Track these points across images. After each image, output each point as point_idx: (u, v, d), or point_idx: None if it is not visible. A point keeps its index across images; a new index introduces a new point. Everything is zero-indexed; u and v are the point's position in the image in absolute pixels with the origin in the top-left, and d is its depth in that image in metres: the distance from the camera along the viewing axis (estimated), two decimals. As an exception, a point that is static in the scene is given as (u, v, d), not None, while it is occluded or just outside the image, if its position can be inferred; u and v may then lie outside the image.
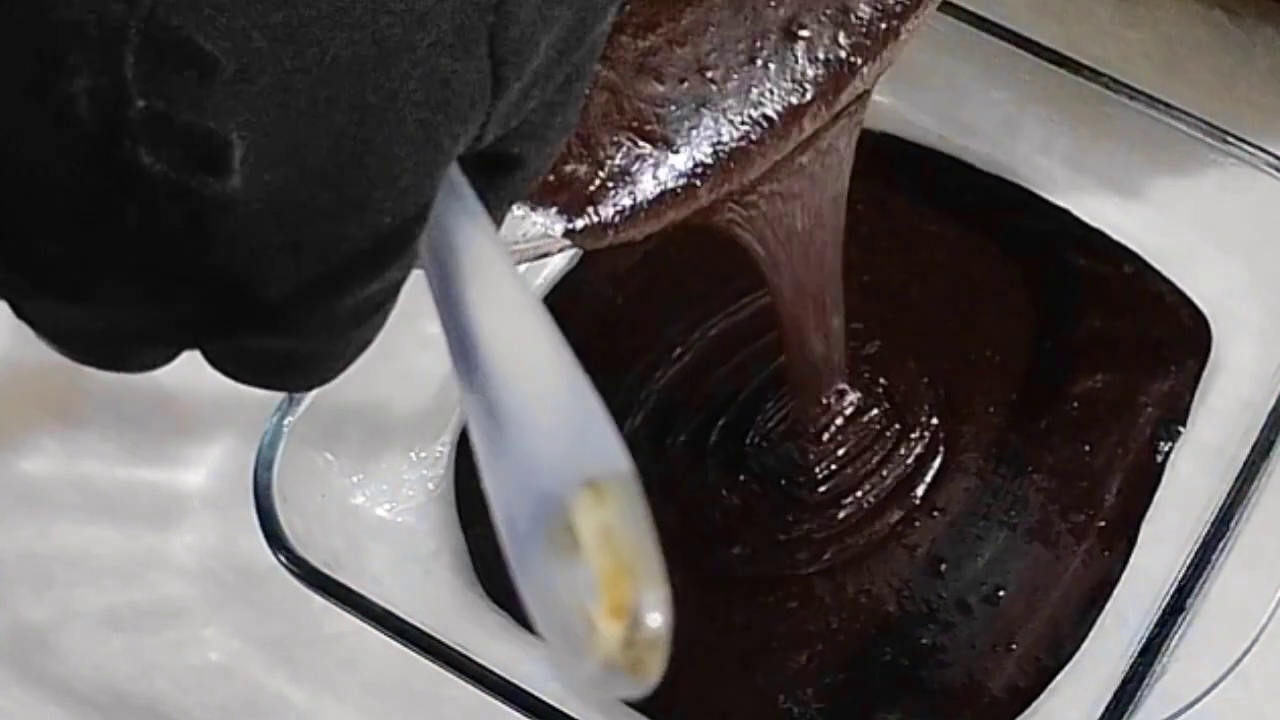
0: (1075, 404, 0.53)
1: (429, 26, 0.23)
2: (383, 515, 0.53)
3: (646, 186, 0.37)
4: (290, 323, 0.25)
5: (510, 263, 0.26)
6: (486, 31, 0.24)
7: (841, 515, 0.52)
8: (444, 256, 0.26)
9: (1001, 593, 0.50)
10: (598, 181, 0.37)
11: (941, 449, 0.53)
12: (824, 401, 0.52)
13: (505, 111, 0.25)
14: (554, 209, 0.36)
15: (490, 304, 0.26)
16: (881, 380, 0.54)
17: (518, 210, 0.36)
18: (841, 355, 0.50)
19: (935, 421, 0.53)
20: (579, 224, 0.37)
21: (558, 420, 0.24)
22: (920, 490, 0.52)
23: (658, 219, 0.37)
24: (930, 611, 0.50)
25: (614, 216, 0.37)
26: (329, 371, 0.27)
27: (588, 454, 0.23)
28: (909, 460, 0.52)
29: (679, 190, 0.37)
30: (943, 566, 0.51)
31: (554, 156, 0.28)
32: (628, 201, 0.37)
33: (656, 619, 0.22)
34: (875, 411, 0.53)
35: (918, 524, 0.52)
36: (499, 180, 0.27)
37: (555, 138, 0.28)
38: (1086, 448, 0.52)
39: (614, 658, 0.22)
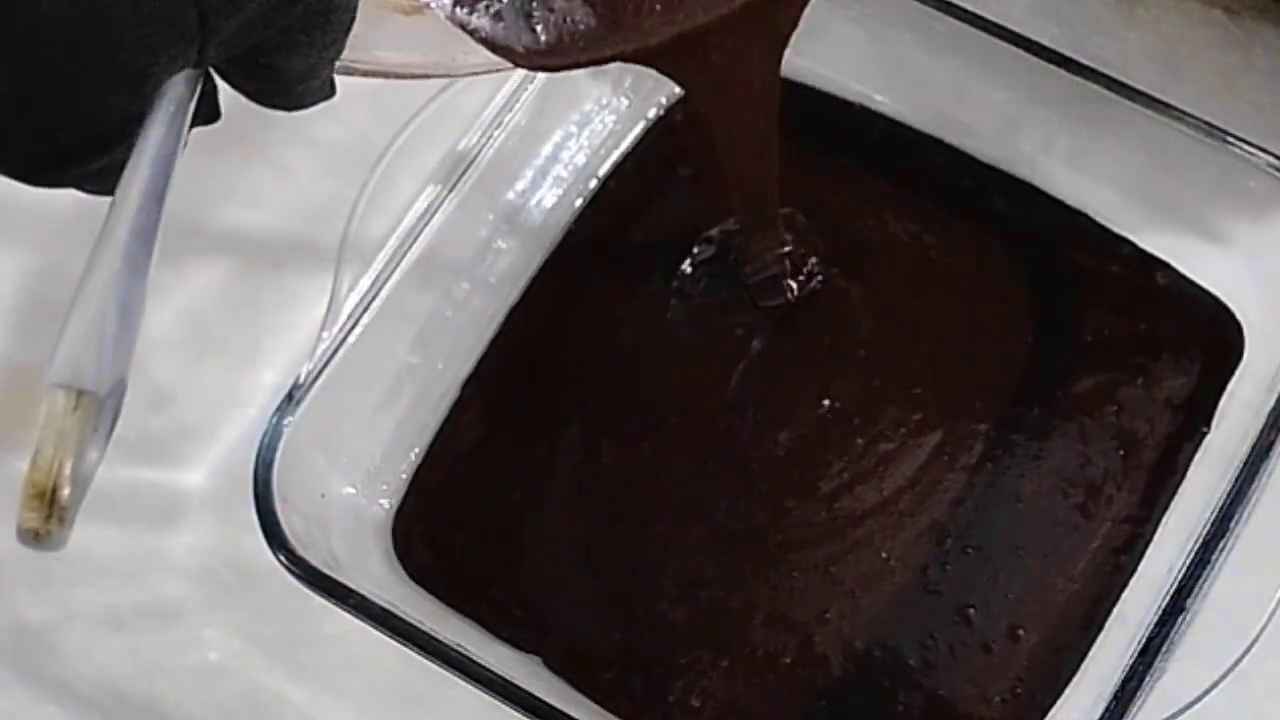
0: (1109, 406, 0.53)
1: None
2: (382, 515, 0.53)
3: (581, 25, 0.42)
4: (29, 181, 0.33)
5: (163, 175, 0.33)
6: None
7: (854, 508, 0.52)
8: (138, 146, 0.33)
9: (1023, 628, 0.50)
10: (539, 17, 0.43)
11: (972, 454, 0.53)
12: (769, 241, 0.53)
13: (225, 42, 0.33)
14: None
15: (120, 206, 0.33)
16: (878, 382, 0.54)
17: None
18: (776, 190, 0.51)
19: (961, 424, 0.53)
20: (521, 45, 0.43)
21: (90, 328, 0.32)
22: (943, 495, 0.52)
23: (591, 54, 0.43)
24: (928, 610, 0.51)
25: (547, 47, 0.42)
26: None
27: (87, 366, 0.31)
28: (928, 458, 0.53)
29: (605, 37, 0.42)
30: (970, 603, 0.51)
31: (321, 62, 0.35)
32: (562, 34, 0.42)
33: (31, 519, 0.31)
34: (899, 412, 0.53)
35: (948, 568, 0.51)
36: (260, 78, 0.35)
37: (311, 53, 0.35)
38: (1121, 452, 0.52)
39: (19, 515, 0.31)
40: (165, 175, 0.33)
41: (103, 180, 0.34)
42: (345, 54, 0.37)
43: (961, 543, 0.51)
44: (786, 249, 0.54)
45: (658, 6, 0.43)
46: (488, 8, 0.43)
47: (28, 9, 0.30)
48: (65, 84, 0.31)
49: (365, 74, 0.41)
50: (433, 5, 0.43)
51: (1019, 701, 0.49)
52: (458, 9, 0.43)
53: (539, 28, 0.42)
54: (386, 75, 0.42)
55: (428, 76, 0.44)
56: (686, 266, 0.56)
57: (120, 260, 0.33)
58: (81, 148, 0.33)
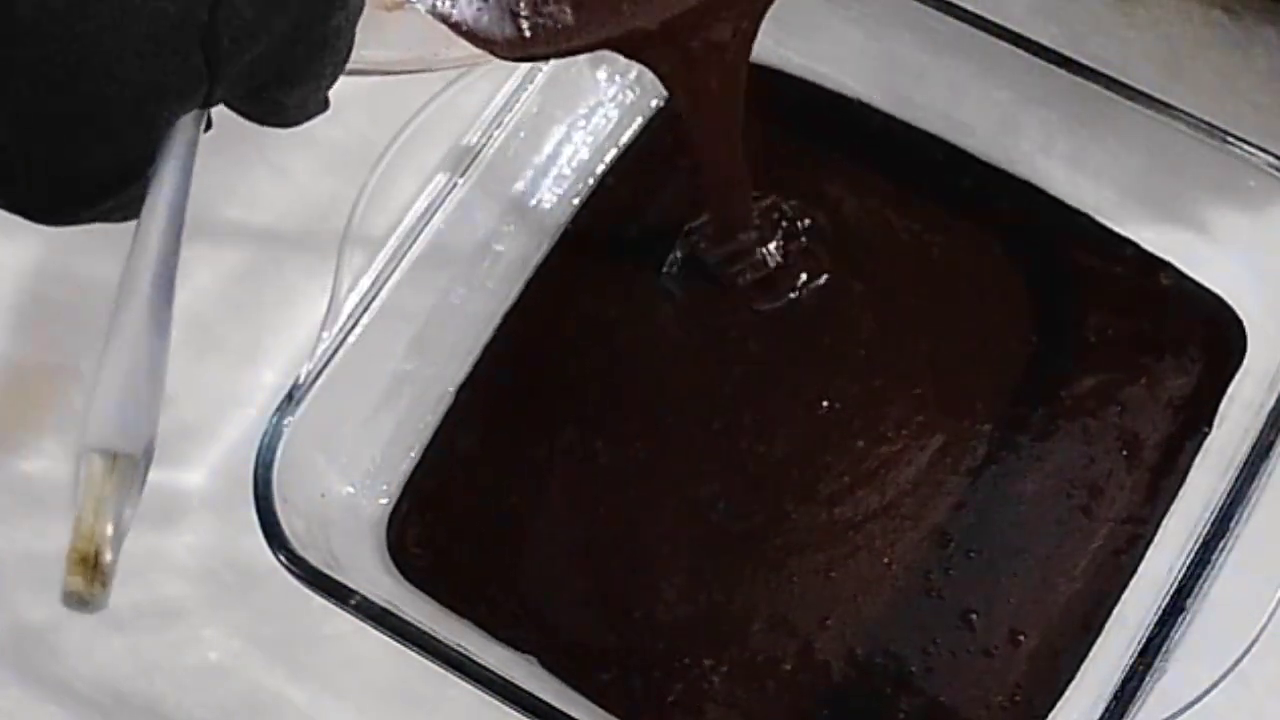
0: (1112, 407, 0.52)
1: (136, 44, 0.31)
2: (382, 515, 0.53)
3: (557, 15, 0.43)
4: (46, 222, 0.34)
5: (177, 221, 0.34)
6: (199, 37, 0.32)
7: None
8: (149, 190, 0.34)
9: (1024, 632, 0.50)
10: (518, 8, 0.43)
11: (974, 456, 0.52)
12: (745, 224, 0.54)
13: (232, 83, 0.33)
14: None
15: (139, 256, 0.33)
16: (878, 383, 0.54)
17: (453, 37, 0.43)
18: (746, 177, 0.52)
19: (964, 425, 0.53)
20: (502, 36, 0.43)
21: (121, 388, 0.32)
22: (945, 497, 0.52)
23: (572, 42, 0.43)
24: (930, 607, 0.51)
25: (529, 35, 0.43)
26: None
27: (122, 427, 0.32)
28: (930, 460, 0.52)
29: (583, 25, 0.43)
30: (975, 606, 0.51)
31: (320, 89, 0.36)
32: (541, 24, 0.43)
33: (76, 583, 0.31)
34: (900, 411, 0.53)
35: (950, 572, 0.51)
36: (265, 109, 0.36)
37: (310, 83, 0.36)
38: (1124, 452, 0.52)
39: (65, 580, 0.31)
40: (180, 221, 0.34)
41: (119, 214, 0.34)
42: None
43: (964, 546, 0.51)
44: (768, 245, 0.54)
45: None
46: (468, 1, 0.43)
47: (38, 60, 0.31)
48: (78, 130, 0.32)
49: (349, 73, 0.41)
50: (414, 0, 0.43)
51: (1018, 707, 0.49)
52: (439, 3, 0.43)
53: (519, 18, 0.43)
54: (371, 73, 0.43)
55: (410, 72, 0.44)
56: (669, 265, 0.56)
57: (145, 315, 0.33)
58: (95, 191, 0.33)
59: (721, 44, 0.46)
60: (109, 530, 0.32)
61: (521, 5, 0.43)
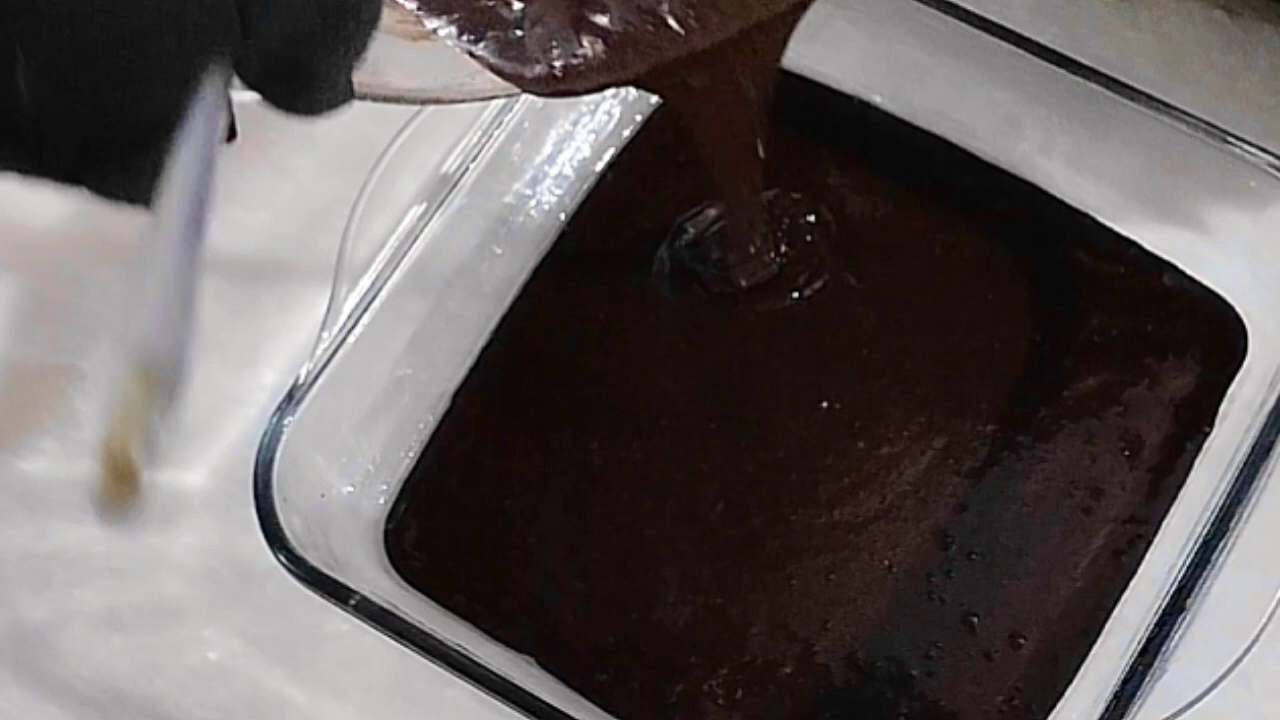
0: (1115, 407, 0.52)
1: None
2: (381, 515, 0.53)
3: (587, 53, 0.43)
4: (70, 179, 0.34)
5: (208, 179, 0.34)
6: None
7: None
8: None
9: (1024, 635, 0.50)
10: (547, 45, 0.43)
11: (977, 456, 0.52)
12: (753, 248, 0.54)
13: (266, 37, 0.33)
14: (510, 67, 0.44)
15: (171, 205, 0.34)
16: (879, 384, 0.54)
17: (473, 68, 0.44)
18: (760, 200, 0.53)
19: (966, 426, 0.53)
20: (531, 73, 0.43)
21: (159, 314, 0.33)
22: (947, 499, 0.52)
23: (600, 80, 0.44)
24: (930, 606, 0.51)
25: (560, 73, 0.43)
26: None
27: (154, 341, 0.33)
28: (931, 461, 0.52)
29: (612, 63, 0.43)
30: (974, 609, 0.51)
31: (348, 58, 0.36)
32: (572, 62, 0.43)
33: (106, 483, 0.33)
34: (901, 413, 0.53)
35: (951, 575, 0.51)
36: (288, 79, 0.35)
37: (338, 47, 0.35)
38: (1126, 452, 0.52)
39: (95, 486, 0.33)
40: (212, 158, 0.34)
41: (139, 182, 0.34)
42: (358, 77, 0.37)
43: (965, 548, 0.51)
44: (768, 246, 0.54)
45: (661, 33, 0.43)
46: (495, 37, 0.43)
47: (72, 9, 0.31)
48: (109, 77, 0.32)
49: (378, 99, 0.41)
50: (440, 33, 0.43)
51: (1017, 710, 0.49)
52: (463, 37, 0.43)
53: (550, 56, 0.43)
54: (400, 100, 0.43)
55: (440, 101, 0.44)
56: (656, 263, 0.55)
57: (178, 235, 0.34)
58: (123, 141, 0.33)
59: (748, 74, 0.46)
60: (138, 432, 0.33)
61: (553, 44, 0.43)
